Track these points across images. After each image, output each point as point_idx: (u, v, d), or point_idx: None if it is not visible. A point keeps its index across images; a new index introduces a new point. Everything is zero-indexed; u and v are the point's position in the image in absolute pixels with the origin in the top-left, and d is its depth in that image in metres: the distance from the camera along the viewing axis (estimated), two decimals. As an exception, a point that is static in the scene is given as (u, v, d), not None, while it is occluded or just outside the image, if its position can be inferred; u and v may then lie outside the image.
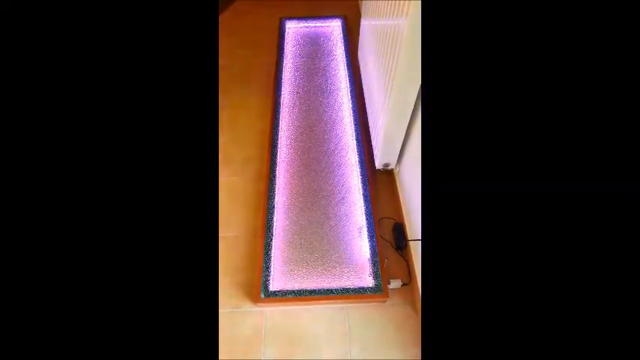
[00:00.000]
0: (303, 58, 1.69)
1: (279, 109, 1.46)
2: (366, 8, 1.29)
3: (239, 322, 1.02)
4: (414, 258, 1.05)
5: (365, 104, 1.32)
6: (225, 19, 1.95)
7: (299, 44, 1.76)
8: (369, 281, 1.05)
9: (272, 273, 1.07)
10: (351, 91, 1.51)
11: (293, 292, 1.03)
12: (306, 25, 1.85)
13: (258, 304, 1.03)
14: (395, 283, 1.03)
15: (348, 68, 1.60)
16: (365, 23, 1.31)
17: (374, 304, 1.03)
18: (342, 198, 1.22)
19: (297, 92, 1.54)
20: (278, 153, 1.33)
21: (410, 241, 1.08)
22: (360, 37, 1.44)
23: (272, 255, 1.10)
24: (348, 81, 1.55)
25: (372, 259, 1.07)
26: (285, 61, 1.66)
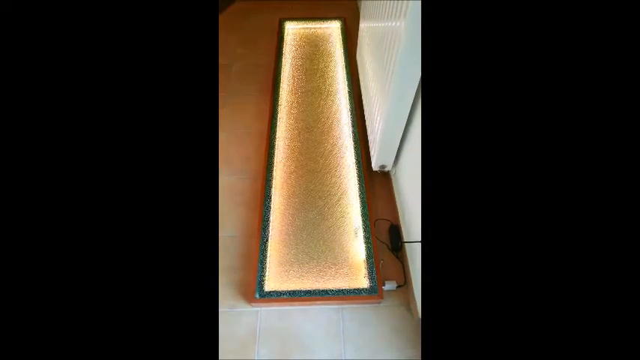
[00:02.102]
0: (302, 58, 1.69)
1: (277, 109, 1.47)
2: (364, 10, 1.30)
3: (234, 322, 1.02)
4: (409, 260, 1.05)
5: (363, 106, 1.33)
6: (225, 19, 1.95)
7: (298, 45, 1.77)
8: (364, 282, 1.05)
9: (267, 273, 1.07)
10: (349, 92, 1.51)
11: (288, 292, 1.03)
12: (306, 26, 1.86)
13: (252, 304, 1.02)
14: (390, 285, 1.03)
15: (346, 70, 1.60)
16: (363, 25, 1.31)
17: (369, 305, 1.03)
18: (339, 199, 1.22)
19: (296, 93, 1.54)
20: (275, 154, 1.33)
21: (405, 243, 1.09)
22: (358, 38, 1.44)
23: (267, 255, 1.10)
24: (346, 82, 1.56)
25: (368, 261, 1.07)
26: (284, 62, 1.66)
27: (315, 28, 1.85)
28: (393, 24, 0.84)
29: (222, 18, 1.96)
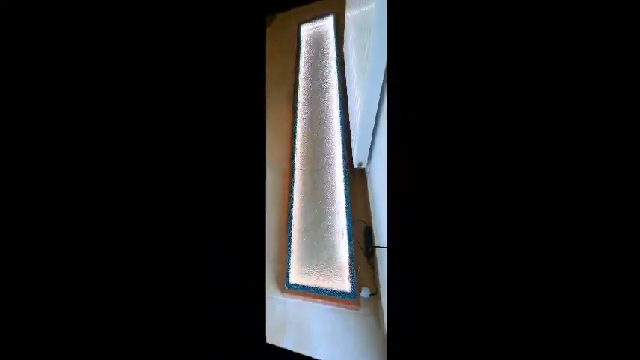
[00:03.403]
0: (311, 58, 1.67)
1: (297, 113, 1.49)
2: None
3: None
4: (378, 266, 0.96)
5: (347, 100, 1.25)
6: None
7: (307, 45, 1.74)
8: (347, 286, 1.00)
9: (291, 267, 1.12)
10: (338, 88, 1.46)
11: (302, 286, 1.04)
12: (312, 24, 1.80)
13: (283, 294, 1.05)
14: (365, 292, 0.96)
15: (337, 64, 1.54)
16: (349, 14, 1.24)
17: (351, 310, 0.97)
18: (332, 198, 1.19)
19: (306, 92, 1.54)
20: (296, 154, 1.35)
21: (375, 248, 1.00)
22: (345, 30, 1.37)
23: (292, 250, 1.13)
24: (336, 78, 1.50)
25: (350, 264, 1.02)
26: (301, 66, 1.65)
27: (320, 26, 1.79)
28: (367, 8, 0.77)
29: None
